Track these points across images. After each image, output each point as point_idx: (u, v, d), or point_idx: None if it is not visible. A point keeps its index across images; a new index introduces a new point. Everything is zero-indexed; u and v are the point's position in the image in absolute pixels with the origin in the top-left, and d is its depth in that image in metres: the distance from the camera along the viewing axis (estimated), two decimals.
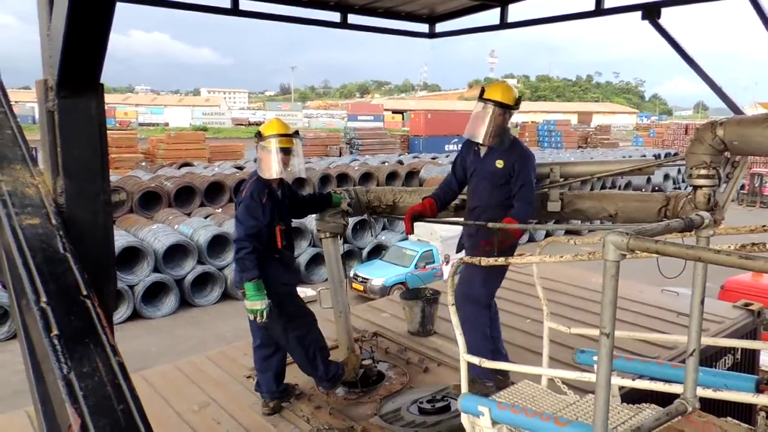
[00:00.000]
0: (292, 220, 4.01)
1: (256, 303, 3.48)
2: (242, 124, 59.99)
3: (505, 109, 3.72)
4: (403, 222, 3.93)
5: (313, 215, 4.42)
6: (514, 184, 3.77)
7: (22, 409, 4.00)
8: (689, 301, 5.91)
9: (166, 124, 55.81)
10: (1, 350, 11.37)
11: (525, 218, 3.71)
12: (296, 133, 3.84)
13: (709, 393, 2.21)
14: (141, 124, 53.30)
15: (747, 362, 5.07)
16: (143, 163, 26.08)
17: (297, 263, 4.12)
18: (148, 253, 13.41)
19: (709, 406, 2.39)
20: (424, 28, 5.79)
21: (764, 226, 2.86)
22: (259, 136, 3.73)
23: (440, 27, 5.86)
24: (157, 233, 14.23)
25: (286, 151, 3.68)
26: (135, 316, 13.00)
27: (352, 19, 5.11)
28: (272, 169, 3.65)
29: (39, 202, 1.08)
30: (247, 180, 3.81)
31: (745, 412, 4.42)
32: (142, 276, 13.32)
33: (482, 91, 3.82)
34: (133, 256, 13.25)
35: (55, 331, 0.88)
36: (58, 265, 0.97)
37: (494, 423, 2.49)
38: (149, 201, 16.96)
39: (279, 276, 3.70)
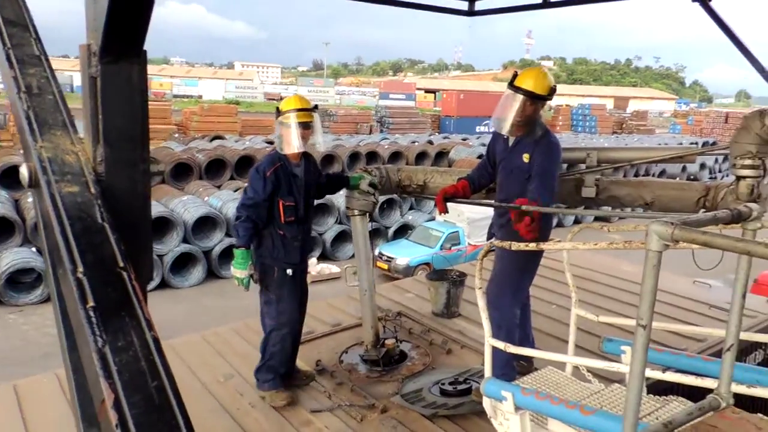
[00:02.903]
0: (314, 196, 3.93)
1: (238, 271, 3.56)
2: (274, 99, 60.16)
3: (536, 99, 3.43)
4: (433, 202, 3.87)
5: (342, 192, 4.40)
6: (534, 174, 3.47)
7: (52, 371, 4.12)
8: (721, 294, 5.82)
9: (200, 97, 56.15)
10: (32, 313, 11.73)
11: (540, 200, 3.36)
12: (315, 107, 3.80)
13: (742, 389, 2.15)
14: (175, 96, 53.73)
15: None
16: (176, 135, 26.39)
17: (310, 242, 4.03)
18: (177, 224, 13.63)
19: (738, 402, 2.33)
20: (463, 5, 5.66)
21: None
22: (278, 111, 3.72)
23: (480, 5, 5.72)
24: (187, 204, 14.44)
25: (305, 126, 3.67)
26: (163, 285, 13.25)
27: None
28: (292, 144, 3.65)
29: (79, 169, 1.08)
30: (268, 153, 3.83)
31: None
32: (171, 246, 13.56)
33: (514, 77, 3.51)
34: (163, 226, 13.46)
35: (91, 303, 0.88)
36: (96, 235, 0.97)
37: (517, 409, 2.47)
38: (181, 172, 17.20)
39: (276, 253, 3.67)
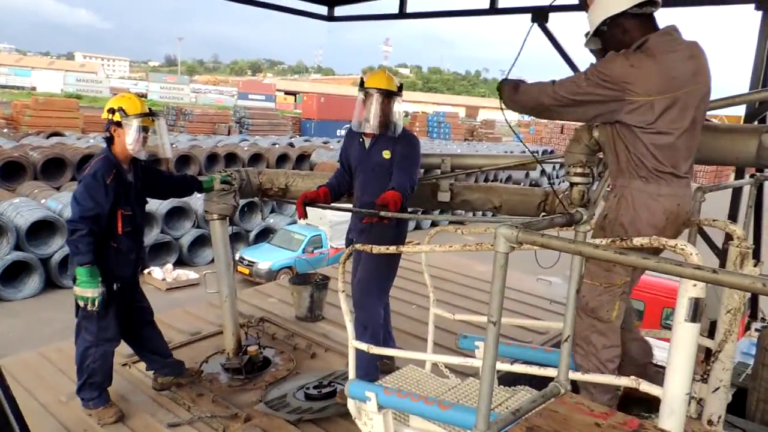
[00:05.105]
0: (147, 201, 3.76)
1: (88, 290, 3.23)
2: None
3: (391, 96, 3.69)
4: (295, 206, 3.86)
5: (200, 195, 4.23)
6: (397, 163, 3.66)
7: None
8: (561, 290, 6.40)
9: (34, 88, 50.69)
10: None
11: (404, 188, 3.53)
12: (155, 113, 3.63)
13: (578, 376, 2.40)
14: (3, 87, 48.04)
15: None
16: (5, 130, 23.62)
17: (143, 252, 3.81)
18: (8, 229, 12.20)
19: (575, 386, 2.60)
20: (323, 10, 5.72)
21: None
22: (120, 112, 3.40)
23: (339, 11, 5.81)
24: (19, 207, 12.98)
25: (146, 130, 3.49)
26: None
27: None
28: (131, 147, 3.43)
29: None
30: (95, 157, 3.49)
31: None
32: (1, 254, 12.12)
33: (362, 81, 3.75)
34: None
35: None
36: None
37: (380, 408, 2.54)
38: (11, 172, 15.47)
39: (111, 267, 3.40)
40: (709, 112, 3.62)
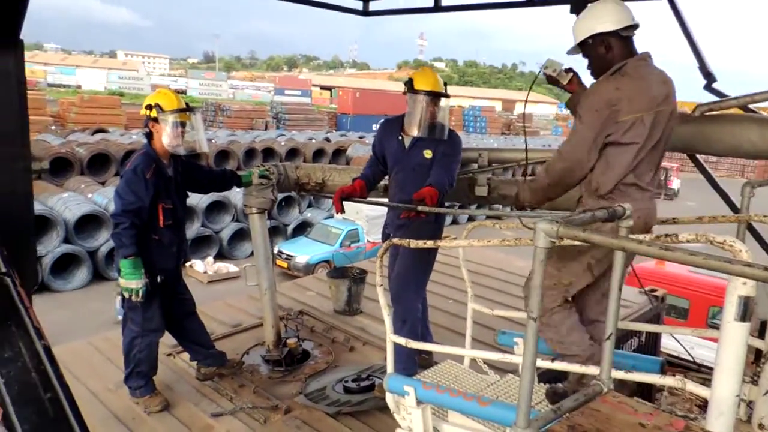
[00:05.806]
0: (188, 195, 3.84)
1: (132, 282, 3.32)
2: None
3: (440, 97, 3.63)
4: (332, 201, 3.86)
5: (239, 189, 4.30)
6: (437, 160, 3.59)
7: None
8: None
9: (79, 86, 52.28)
10: None
11: (443, 184, 3.47)
12: (191, 108, 3.68)
13: (620, 374, 2.34)
14: (50, 85, 49.62)
15: (650, 344, 5.42)
16: (53, 127, 24.44)
17: (185, 245, 3.87)
18: (57, 223, 12.66)
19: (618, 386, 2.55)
20: (358, 5, 5.72)
21: (674, 219, 3.06)
22: (157, 108, 3.48)
23: (374, 5, 5.80)
24: (67, 202, 13.46)
25: (182, 125, 3.55)
26: (42, 288, 12.27)
27: None
28: (168, 143, 3.50)
29: None
30: (136, 152, 3.60)
31: (644, 389, 4.75)
32: (51, 247, 12.58)
33: (410, 82, 3.64)
34: (41, 225, 12.45)
35: None
36: None
37: (419, 403, 2.54)
38: (59, 168, 16.03)
39: (149, 259, 3.46)
40: (758, 104, 3.53)
